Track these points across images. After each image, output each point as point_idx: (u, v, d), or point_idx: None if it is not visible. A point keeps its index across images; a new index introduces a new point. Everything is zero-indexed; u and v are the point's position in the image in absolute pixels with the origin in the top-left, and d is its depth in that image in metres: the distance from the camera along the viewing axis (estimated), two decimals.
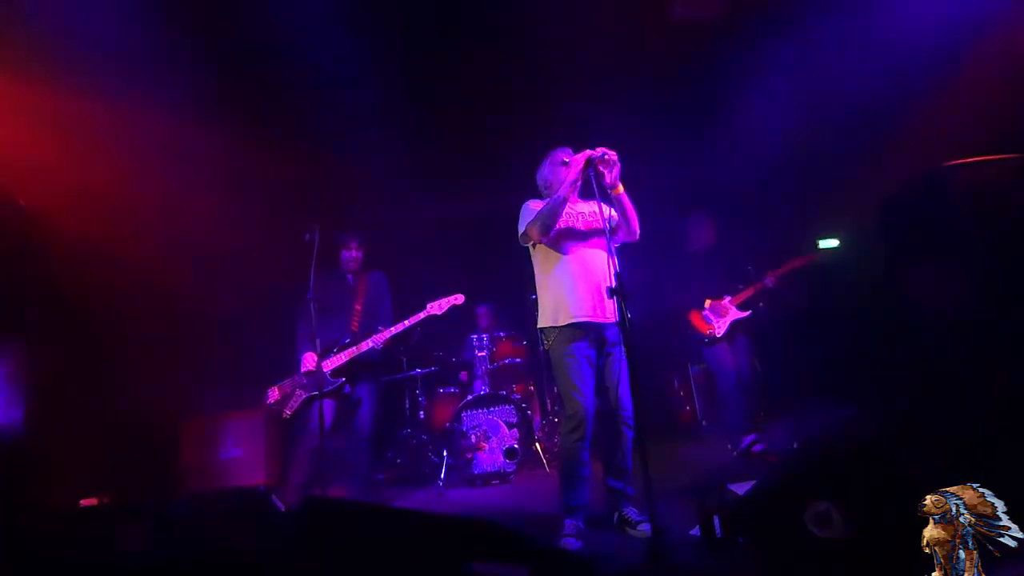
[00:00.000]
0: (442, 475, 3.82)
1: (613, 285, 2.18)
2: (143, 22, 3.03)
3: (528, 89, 4.04)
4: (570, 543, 2.36)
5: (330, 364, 3.21)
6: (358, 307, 3.37)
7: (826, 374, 4.21)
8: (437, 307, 3.32)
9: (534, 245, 2.67)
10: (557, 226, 2.51)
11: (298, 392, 3.23)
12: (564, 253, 2.56)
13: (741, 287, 4.02)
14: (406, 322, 3.28)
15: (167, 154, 3.83)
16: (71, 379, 3.56)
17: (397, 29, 3.50)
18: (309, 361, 3.20)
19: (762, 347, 4.17)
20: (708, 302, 4.02)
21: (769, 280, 3.92)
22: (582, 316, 2.48)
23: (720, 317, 3.98)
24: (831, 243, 4.41)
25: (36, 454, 3.22)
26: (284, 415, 3.23)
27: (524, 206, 2.67)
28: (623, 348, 2.37)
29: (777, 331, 4.03)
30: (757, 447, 3.82)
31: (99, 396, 3.72)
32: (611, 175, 2.42)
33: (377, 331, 3.25)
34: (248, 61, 3.51)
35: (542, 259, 2.65)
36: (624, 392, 2.49)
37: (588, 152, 2.39)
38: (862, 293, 4.11)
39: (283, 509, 1.96)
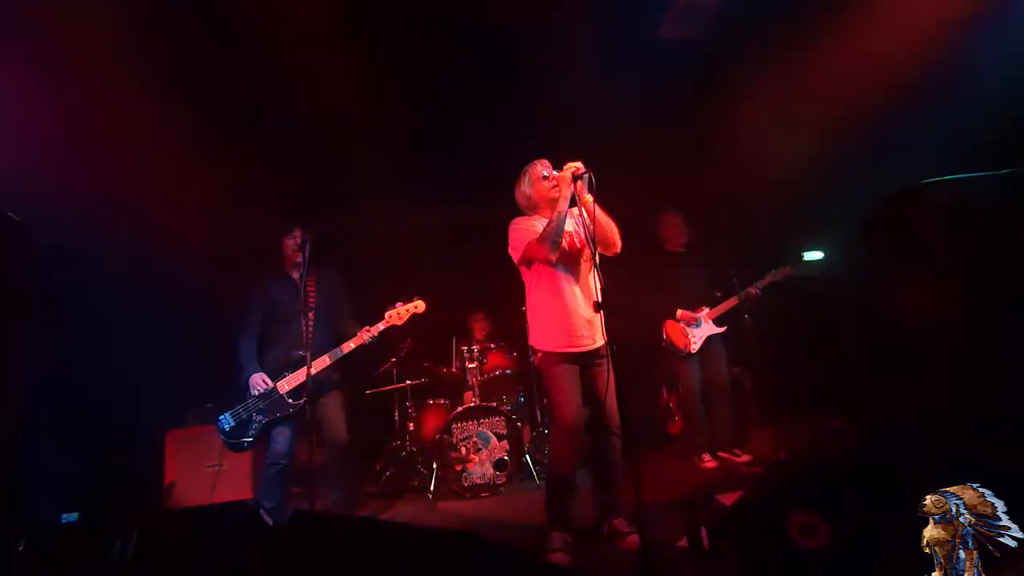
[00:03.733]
0: (431, 487, 3.80)
1: (599, 300, 2.21)
2: (126, 24, 3.02)
3: (525, 100, 4.09)
4: (558, 557, 2.36)
5: (287, 384, 3.02)
6: (310, 314, 3.03)
7: (812, 384, 4.25)
8: (396, 316, 3.12)
9: (529, 266, 2.65)
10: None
11: (256, 417, 3.00)
12: (554, 278, 2.56)
13: (720, 296, 4.02)
14: (365, 336, 3.06)
15: (150, 163, 3.81)
16: (54, 390, 3.50)
17: (391, 37, 3.53)
18: (258, 383, 2.98)
19: (749, 357, 4.20)
20: (680, 312, 4.00)
21: (752, 290, 3.94)
22: (570, 348, 2.52)
23: (696, 331, 3.99)
24: (816, 255, 4.47)
25: (14, 468, 3.15)
26: (244, 445, 3.00)
27: (513, 226, 2.66)
28: (610, 360, 2.39)
29: (763, 341, 4.07)
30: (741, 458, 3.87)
31: (80, 407, 3.66)
32: (586, 189, 2.41)
33: (350, 338, 3.07)
34: (235, 67, 3.51)
35: (534, 281, 2.64)
36: (611, 403, 2.50)
37: (571, 166, 2.40)
38: (848, 304, 4.16)
39: (271, 523, 1.94)
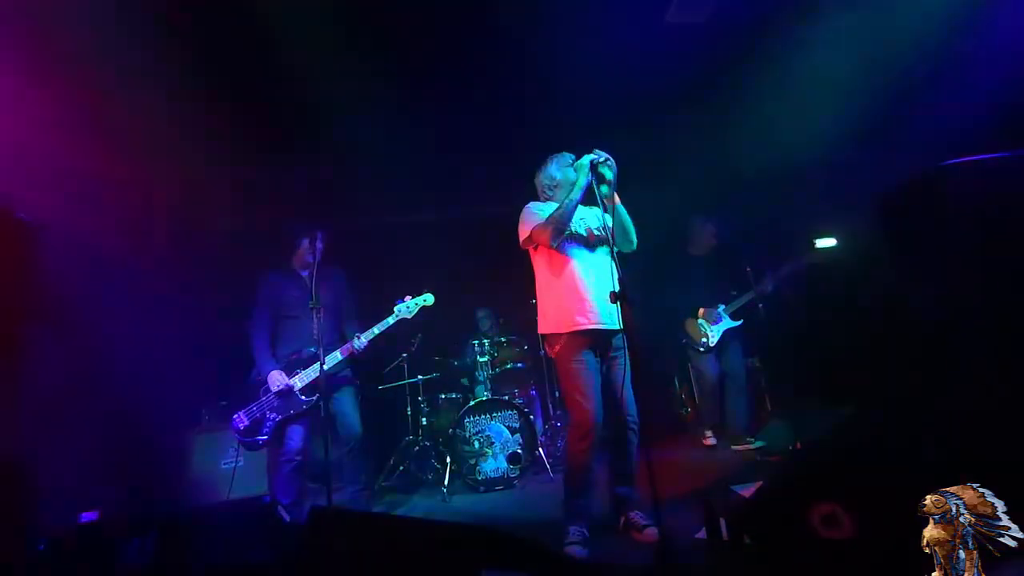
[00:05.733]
0: (446, 481, 3.81)
1: (616, 290, 2.19)
2: (140, 21, 3.02)
3: (531, 92, 4.06)
4: (575, 550, 2.35)
5: (299, 381, 3.03)
6: (320, 310, 3.01)
7: (827, 374, 4.22)
8: (406, 310, 3.15)
9: (536, 248, 2.64)
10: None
11: (270, 415, 3.02)
12: (568, 259, 2.54)
13: (735, 294, 4.11)
14: (375, 329, 3.11)
15: (164, 162, 3.82)
16: (70, 391, 3.53)
17: (394, 33, 3.50)
18: (278, 380, 3.00)
19: (763, 348, 4.21)
20: (702, 311, 4.16)
21: (768, 285, 3.97)
22: (588, 324, 2.47)
23: (713, 326, 4.12)
24: (828, 242, 4.41)
25: (34, 468, 3.19)
26: (259, 443, 3.02)
27: (525, 209, 2.65)
28: (627, 352, 2.37)
29: (777, 331, 4.04)
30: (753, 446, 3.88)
31: (98, 407, 3.70)
32: (609, 182, 2.40)
33: (350, 339, 3.09)
34: (240, 60, 3.49)
35: (545, 264, 2.62)
36: (628, 396, 2.48)
37: (591, 156, 2.39)
38: (861, 292, 4.11)
39: (288, 520, 1.95)
